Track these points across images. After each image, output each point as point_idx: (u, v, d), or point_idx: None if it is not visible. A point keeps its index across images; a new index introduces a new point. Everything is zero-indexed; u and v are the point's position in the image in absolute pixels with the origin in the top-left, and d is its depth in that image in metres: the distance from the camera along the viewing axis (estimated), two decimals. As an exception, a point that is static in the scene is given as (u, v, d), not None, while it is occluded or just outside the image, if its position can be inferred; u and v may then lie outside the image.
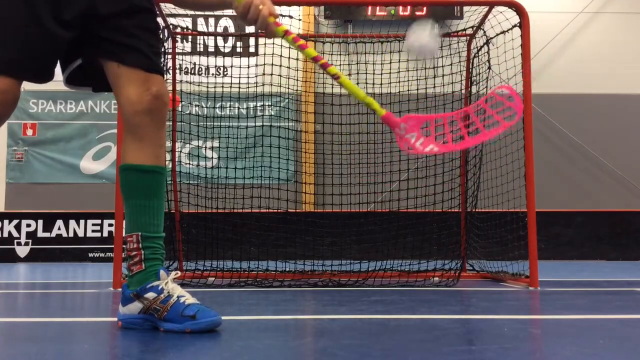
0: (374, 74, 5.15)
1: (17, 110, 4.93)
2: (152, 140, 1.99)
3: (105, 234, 7.79)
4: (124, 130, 2.01)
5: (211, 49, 8.00)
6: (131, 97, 1.95)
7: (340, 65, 5.43)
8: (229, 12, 2.82)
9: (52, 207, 7.97)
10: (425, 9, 8.16)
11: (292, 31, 1.95)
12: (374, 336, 1.89)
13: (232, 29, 8.39)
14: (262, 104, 8.04)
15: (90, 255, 7.76)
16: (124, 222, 2.06)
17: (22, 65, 1.84)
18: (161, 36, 4.14)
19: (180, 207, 4.82)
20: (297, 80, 5.40)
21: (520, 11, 4.03)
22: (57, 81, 1.98)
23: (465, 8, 7.04)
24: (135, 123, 1.96)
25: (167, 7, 4.38)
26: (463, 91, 4.96)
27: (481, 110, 1.80)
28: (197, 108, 5.66)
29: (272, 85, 5.08)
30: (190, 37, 7.28)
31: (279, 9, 2.14)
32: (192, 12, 5.74)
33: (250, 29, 8.27)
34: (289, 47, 2.16)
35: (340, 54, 5.62)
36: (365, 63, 5.12)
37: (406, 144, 1.80)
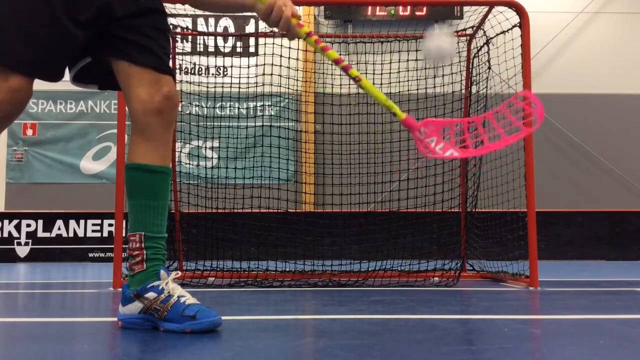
0: (373, 74, 5.14)
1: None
2: (160, 141, 1.99)
3: (105, 234, 7.79)
4: (132, 130, 2.01)
5: (211, 49, 8.00)
6: (142, 96, 1.95)
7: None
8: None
9: (52, 207, 7.97)
10: (425, 9, 8.16)
11: (314, 33, 1.97)
12: (374, 336, 1.89)
13: (232, 29, 8.39)
14: (262, 104, 8.04)
15: (90, 255, 7.76)
16: (128, 220, 2.05)
17: (38, 64, 1.83)
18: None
19: (180, 207, 4.82)
20: (297, 80, 5.41)
21: (520, 11, 4.03)
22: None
23: (465, 8, 7.02)
24: (145, 123, 1.96)
25: (167, 7, 4.38)
26: (463, 91, 4.96)
27: (501, 116, 1.82)
28: (197, 108, 5.66)
29: (272, 85, 5.08)
30: (190, 37, 7.28)
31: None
32: (192, 12, 5.74)
33: (250, 29, 8.28)
34: (289, 47, 2.17)
35: (340, 54, 5.61)
36: (365, 63, 5.11)
37: (426, 148, 1.83)
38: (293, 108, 6.81)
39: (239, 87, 5.37)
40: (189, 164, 6.45)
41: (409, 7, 8.10)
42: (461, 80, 4.96)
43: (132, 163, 2.00)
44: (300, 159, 5.83)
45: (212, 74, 7.83)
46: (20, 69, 1.80)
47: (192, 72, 7.69)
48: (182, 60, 5.55)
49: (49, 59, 1.84)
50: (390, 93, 5.10)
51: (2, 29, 1.79)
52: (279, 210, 5.25)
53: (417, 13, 8.15)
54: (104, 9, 1.89)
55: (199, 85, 5.41)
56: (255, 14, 2.09)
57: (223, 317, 1.94)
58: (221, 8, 2.25)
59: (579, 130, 8.47)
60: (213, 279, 3.99)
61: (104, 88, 2.12)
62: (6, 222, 7.75)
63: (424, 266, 4.25)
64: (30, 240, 7.73)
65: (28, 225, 7.77)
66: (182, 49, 7.62)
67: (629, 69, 8.64)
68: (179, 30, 5.01)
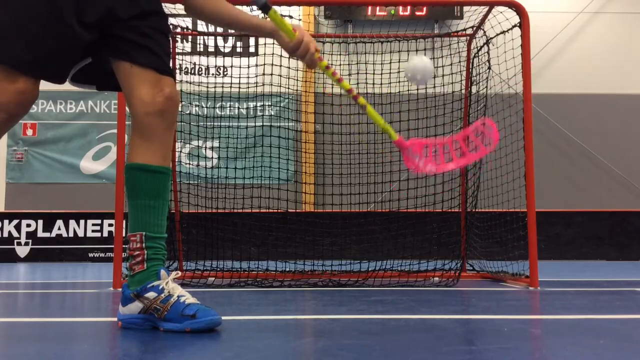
0: (374, 74, 5.15)
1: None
2: (160, 141, 1.99)
3: (105, 234, 7.79)
4: (132, 130, 2.01)
5: (211, 49, 8.00)
6: (144, 97, 1.95)
7: (340, 65, 5.45)
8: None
9: (52, 207, 7.98)
10: (425, 9, 8.16)
11: (330, 65, 2.24)
12: (374, 336, 1.89)
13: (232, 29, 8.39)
14: (262, 104, 8.04)
15: (90, 255, 7.76)
16: (128, 220, 2.05)
17: (44, 66, 1.83)
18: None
19: (180, 207, 4.82)
20: (297, 80, 5.41)
21: (520, 11, 4.03)
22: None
23: (465, 8, 7.03)
24: (146, 123, 1.96)
25: (167, 7, 4.38)
26: (463, 91, 4.96)
27: (468, 138, 2.23)
28: (197, 108, 5.66)
29: (272, 85, 5.08)
30: (190, 37, 7.28)
31: (279, 9, 2.16)
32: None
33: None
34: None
35: (340, 54, 5.62)
36: (365, 63, 5.12)
37: (412, 164, 2.21)
38: (293, 108, 6.81)
39: (239, 87, 5.37)
40: (189, 164, 6.45)
41: (409, 7, 8.11)
42: (461, 80, 4.96)
43: (132, 163, 2.00)
44: (300, 159, 5.84)
45: (212, 74, 7.83)
46: (26, 70, 1.80)
47: (192, 72, 7.69)
48: (182, 60, 5.55)
49: (55, 60, 1.85)
50: (390, 93, 5.11)
51: (6, 30, 1.80)
52: (279, 210, 5.25)
53: (417, 13, 8.16)
54: (109, 12, 1.90)
55: (199, 85, 5.41)
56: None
57: (223, 317, 1.94)
58: (228, 24, 2.25)
59: (579, 130, 8.47)
60: (213, 279, 3.99)
61: (102, 89, 2.13)
62: (6, 222, 7.75)
63: (424, 266, 4.25)
64: (30, 240, 7.74)
65: (28, 225, 7.77)
66: (182, 49, 7.62)
67: (629, 69, 8.64)
68: (179, 30, 5.00)
